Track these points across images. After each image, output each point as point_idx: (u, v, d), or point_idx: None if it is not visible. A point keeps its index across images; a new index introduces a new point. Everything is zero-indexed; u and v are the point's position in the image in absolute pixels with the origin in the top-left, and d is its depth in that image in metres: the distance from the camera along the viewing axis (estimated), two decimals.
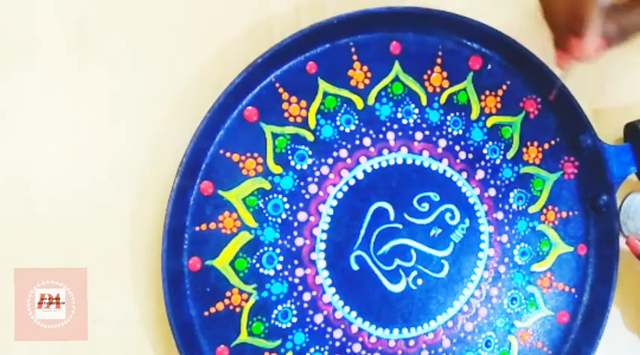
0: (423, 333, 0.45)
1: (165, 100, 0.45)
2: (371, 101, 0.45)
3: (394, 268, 0.45)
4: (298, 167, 0.44)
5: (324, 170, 0.44)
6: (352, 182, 0.45)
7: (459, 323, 0.46)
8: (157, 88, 0.45)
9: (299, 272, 0.44)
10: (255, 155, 0.44)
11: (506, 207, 0.48)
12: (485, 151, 0.47)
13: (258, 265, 0.43)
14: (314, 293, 0.44)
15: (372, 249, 0.45)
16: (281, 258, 0.43)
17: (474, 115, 0.47)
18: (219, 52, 0.46)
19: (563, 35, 0.38)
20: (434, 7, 0.45)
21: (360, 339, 0.44)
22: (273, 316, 0.43)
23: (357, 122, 0.45)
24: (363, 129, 0.45)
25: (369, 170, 0.45)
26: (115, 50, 0.45)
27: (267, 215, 0.43)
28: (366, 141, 0.45)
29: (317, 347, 0.44)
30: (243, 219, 0.43)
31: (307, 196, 0.44)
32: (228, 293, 0.43)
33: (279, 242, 0.44)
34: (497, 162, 0.47)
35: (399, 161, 0.46)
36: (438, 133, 0.46)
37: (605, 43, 0.37)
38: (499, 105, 0.47)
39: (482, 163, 0.47)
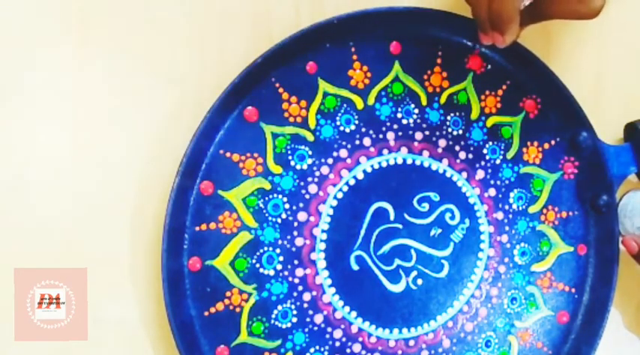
0: (423, 333, 0.46)
1: (165, 100, 0.45)
2: (371, 101, 0.45)
3: (394, 268, 0.45)
4: (298, 167, 0.44)
5: (324, 170, 0.44)
6: (352, 182, 0.45)
7: (459, 323, 0.46)
8: (157, 87, 0.45)
9: (299, 272, 0.44)
10: (255, 155, 0.43)
11: (506, 207, 0.47)
12: (485, 151, 0.47)
13: (258, 265, 0.43)
14: (314, 293, 0.44)
15: (372, 249, 0.45)
16: (281, 258, 0.43)
17: (474, 115, 0.47)
18: (219, 52, 0.46)
19: (486, 26, 0.40)
20: (434, 6, 0.45)
21: (360, 339, 0.44)
22: (273, 316, 0.43)
23: (357, 122, 0.45)
24: (363, 129, 0.45)
25: (369, 170, 0.45)
26: (114, 50, 0.45)
27: (267, 215, 0.43)
28: (366, 141, 0.45)
29: (317, 347, 0.44)
30: (243, 219, 0.43)
31: (307, 196, 0.44)
32: (228, 293, 0.43)
33: (279, 242, 0.44)
34: (497, 162, 0.47)
35: (399, 161, 0.46)
36: (438, 133, 0.46)
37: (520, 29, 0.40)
38: (499, 105, 0.47)
39: (483, 163, 0.47)
